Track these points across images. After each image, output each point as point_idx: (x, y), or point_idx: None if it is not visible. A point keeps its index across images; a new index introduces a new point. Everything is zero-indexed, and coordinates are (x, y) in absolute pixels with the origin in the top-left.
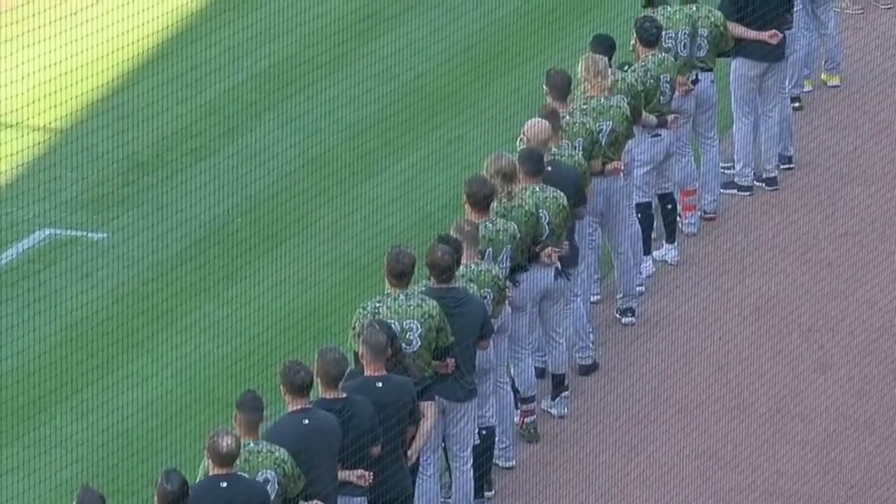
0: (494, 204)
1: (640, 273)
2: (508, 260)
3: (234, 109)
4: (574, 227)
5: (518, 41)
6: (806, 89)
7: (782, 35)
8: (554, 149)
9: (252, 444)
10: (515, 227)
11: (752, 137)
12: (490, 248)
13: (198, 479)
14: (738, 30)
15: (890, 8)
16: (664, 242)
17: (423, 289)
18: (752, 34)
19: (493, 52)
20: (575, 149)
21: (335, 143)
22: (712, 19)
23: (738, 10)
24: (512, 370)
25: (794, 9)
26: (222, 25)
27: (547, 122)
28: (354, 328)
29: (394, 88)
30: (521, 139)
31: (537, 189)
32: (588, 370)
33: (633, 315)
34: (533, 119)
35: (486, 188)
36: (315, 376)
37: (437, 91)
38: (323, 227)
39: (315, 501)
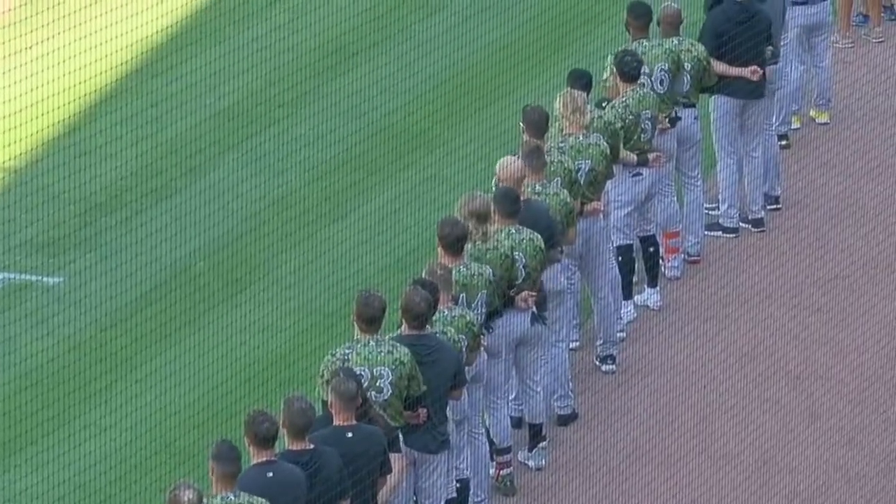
0: (469, 246)
1: (621, 318)
2: (484, 305)
3: (196, 148)
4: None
5: (492, 77)
6: (794, 126)
7: (762, 71)
8: (538, 187)
9: (232, 497)
10: (490, 270)
11: (737, 177)
12: (464, 293)
13: None
14: (719, 66)
15: (881, 41)
16: (646, 287)
17: (395, 335)
18: (732, 70)
19: (466, 89)
20: (556, 186)
21: (301, 183)
22: (695, 53)
23: (718, 47)
24: (487, 420)
25: (783, 41)
26: (183, 61)
27: (519, 161)
28: (323, 375)
29: (362, 127)
30: (495, 179)
31: (513, 231)
32: (567, 420)
33: (613, 362)
34: (505, 158)
35: (459, 230)
36: (281, 427)
37: (407, 129)
38: (289, 272)
39: None
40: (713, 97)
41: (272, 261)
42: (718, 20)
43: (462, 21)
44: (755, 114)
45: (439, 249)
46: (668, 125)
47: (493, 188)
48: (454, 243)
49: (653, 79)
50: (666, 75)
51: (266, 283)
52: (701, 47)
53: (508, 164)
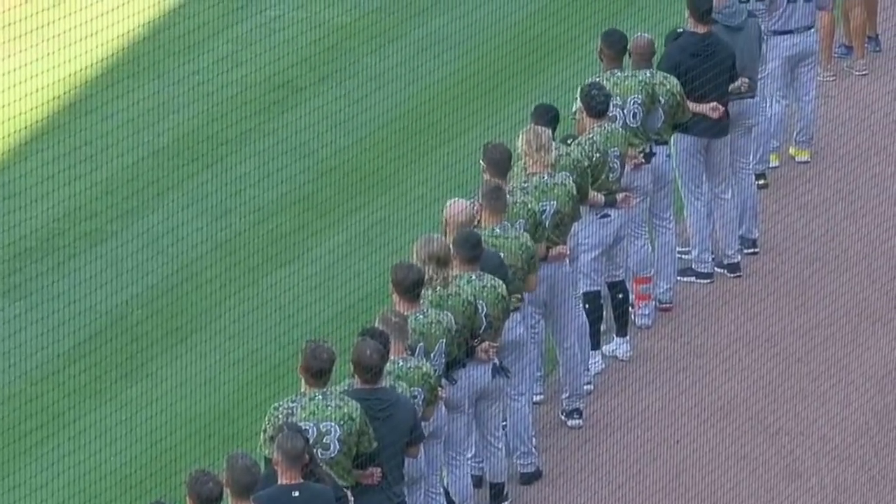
0: (428, 292)
1: (588, 370)
2: (442, 355)
3: (133, 189)
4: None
5: (450, 112)
6: (772, 165)
7: (724, 108)
8: (497, 230)
9: None
10: (451, 318)
11: (707, 220)
12: (421, 343)
13: None
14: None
15: (865, 74)
16: (615, 336)
17: (345, 388)
18: (693, 107)
19: (421, 125)
20: (518, 230)
21: (245, 226)
22: (668, 87)
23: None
24: (446, 479)
25: (761, 74)
26: (119, 96)
27: (466, 203)
28: (266, 431)
29: (310, 165)
30: (442, 223)
31: (474, 277)
32: (530, 479)
33: (580, 417)
34: (452, 200)
35: (415, 274)
36: (224, 486)
37: (358, 168)
38: (232, 320)
39: None
40: (674, 136)
41: (214, 309)
42: (675, 53)
43: (417, 53)
44: (719, 153)
45: (394, 296)
46: (643, 160)
47: (440, 232)
48: (410, 288)
49: (625, 111)
50: (640, 108)
51: (208, 333)
52: (674, 81)
53: (453, 206)
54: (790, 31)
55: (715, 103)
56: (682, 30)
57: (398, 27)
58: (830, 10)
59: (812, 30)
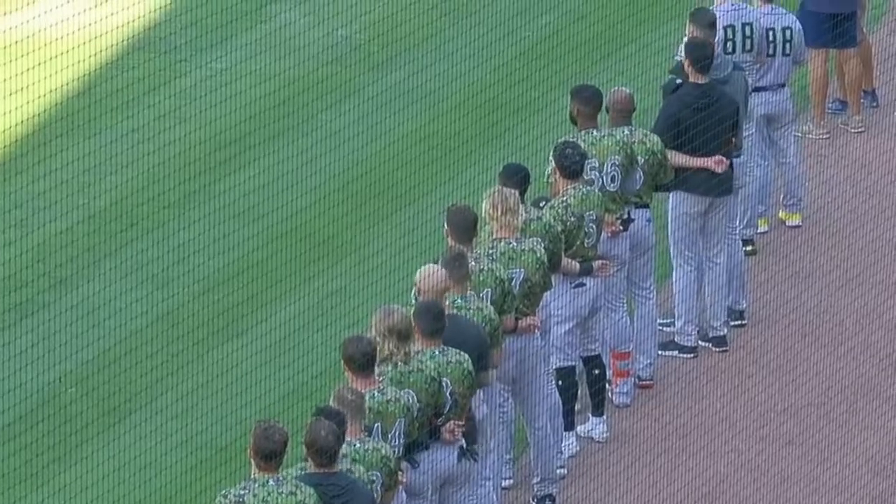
0: (388, 369)
1: (562, 452)
2: (402, 436)
3: (67, 256)
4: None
5: (411, 172)
6: (760, 230)
7: (729, 162)
8: (459, 300)
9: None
10: (412, 396)
11: (695, 288)
12: (379, 422)
13: None
14: (677, 158)
15: (861, 132)
16: (590, 415)
17: (299, 473)
18: (694, 162)
19: (381, 187)
20: (483, 300)
21: (189, 296)
22: (649, 145)
23: (676, 136)
24: None
25: (746, 133)
26: (52, 155)
27: (444, 270)
28: None
29: (260, 231)
30: (415, 290)
31: (437, 352)
32: None
33: (552, 503)
34: (426, 266)
35: (370, 348)
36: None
37: (313, 233)
38: (175, 399)
39: None
40: (671, 194)
41: (156, 386)
42: (675, 106)
43: (375, 109)
44: (719, 214)
45: (347, 373)
46: (621, 227)
47: (413, 301)
48: (363, 364)
49: (603, 174)
50: (618, 171)
51: (148, 413)
52: (655, 138)
53: (431, 274)
54: (764, 88)
55: (720, 156)
56: (679, 81)
57: (355, 81)
58: (805, 63)
59: (784, 87)
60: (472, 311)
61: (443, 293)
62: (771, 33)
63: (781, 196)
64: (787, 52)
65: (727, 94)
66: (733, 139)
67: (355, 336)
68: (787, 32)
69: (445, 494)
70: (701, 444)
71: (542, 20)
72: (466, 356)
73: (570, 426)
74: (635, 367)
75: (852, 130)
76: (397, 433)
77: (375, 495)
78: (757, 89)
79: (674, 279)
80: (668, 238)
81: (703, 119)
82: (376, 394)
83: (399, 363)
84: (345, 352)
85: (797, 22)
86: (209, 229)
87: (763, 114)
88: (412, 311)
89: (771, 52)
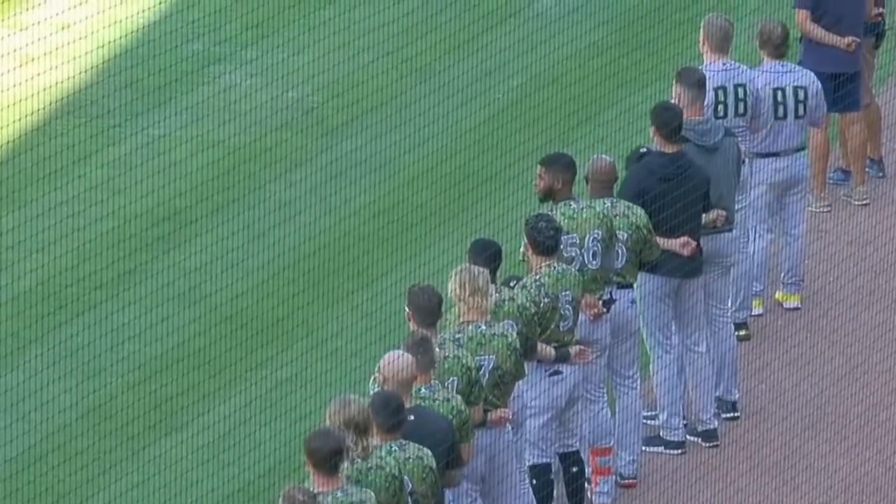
0: (345, 465)
1: None
2: None
3: None
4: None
5: (369, 249)
6: (755, 312)
7: (696, 243)
8: (424, 390)
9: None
10: (372, 496)
11: (677, 378)
12: None
13: None
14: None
15: (866, 204)
16: None
17: None
18: (659, 243)
19: (334, 265)
20: (448, 390)
21: (123, 386)
22: (632, 218)
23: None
24: None
25: (740, 204)
26: None
27: (410, 357)
28: None
29: (201, 314)
30: (374, 378)
31: (395, 448)
32: None
33: None
34: (392, 352)
35: (333, 443)
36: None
37: (259, 317)
38: (107, 501)
39: None
40: (638, 276)
41: (86, 486)
42: (639, 176)
43: (329, 179)
44: (692, 296)
45: (309, 468)
46: (603, 309)
47: (372, 390)
48: (326, 460)
49: (584, 251)
50: (599, 246)
51: None
52: (640, 212)
53: (394, 361)
54: (776, 154)
55: (686, 238)
56: (645, 149)
57: (306, 148)
58: (825, 127)
59: (803, 152)
60: (438, 402)
61: (409, 382)
62: (780, 93)
63: (782, 273)
64: (801, 113)
65: (698, 166)
66: (718, 214)
67: (324, 429)
68: (801, 92)
69: None
70: None
71: (512, 82)
72: (428, 451)
73: None
74: (617, 464)
75: (856, 203)
76: None
77: None
78: (768, 154)
79: (652, 369)
80: (643, 325)
81: (668, 190)
82: (339, 494)
83: (357, 459)
84: (308, 446)
85: (817, 82)
86: (145, 313)
87: (774, 181)
88: (368, 404)
89: (781, 114)
